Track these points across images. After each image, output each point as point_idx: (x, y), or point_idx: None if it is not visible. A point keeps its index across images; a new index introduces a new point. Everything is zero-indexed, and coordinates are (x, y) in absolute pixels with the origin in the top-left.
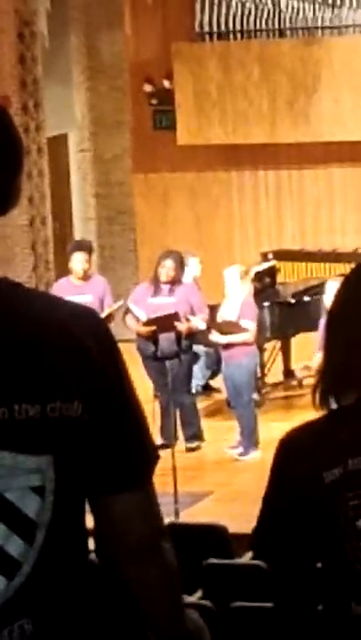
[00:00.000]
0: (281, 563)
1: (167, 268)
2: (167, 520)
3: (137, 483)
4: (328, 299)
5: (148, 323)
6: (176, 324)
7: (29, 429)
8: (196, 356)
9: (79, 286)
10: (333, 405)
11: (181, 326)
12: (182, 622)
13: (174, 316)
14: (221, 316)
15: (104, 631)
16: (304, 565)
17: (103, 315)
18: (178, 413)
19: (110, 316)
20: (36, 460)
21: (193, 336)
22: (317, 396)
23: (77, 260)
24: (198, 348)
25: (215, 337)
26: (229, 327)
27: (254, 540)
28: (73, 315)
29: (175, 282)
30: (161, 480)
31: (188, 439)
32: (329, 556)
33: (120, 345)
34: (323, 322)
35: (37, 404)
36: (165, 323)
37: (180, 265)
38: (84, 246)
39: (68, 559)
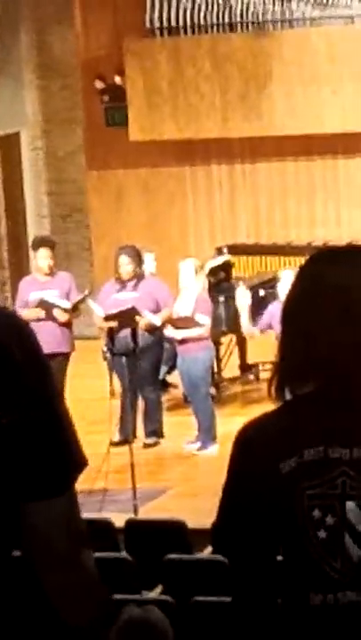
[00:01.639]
0: (241, 556)
1: (123, 265)
2: (126, 516)
3: (57, 491)
4: (282, 288)
5: (107, 318)
6: (136, 318)
7: None
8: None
9: (45, 282)
10: (288, 396)
11: (142, 320)
12: (98, 630)
13: (132, 311)
14: (176, 312)
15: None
16: (264, 558)
17: (69, 306)
18: (142, 408)
19: (77, 309)
20: None
21: (157, 331)
22: (273, 387)
23: (42, 257)
24: None
25: (170, 332)
26: (184, 322)
27: (214, 534)
28: (1, 324)
29: (138, 276)
30: (119, 477)
31: (147, 435)
32: (287, 546)
33: (82, 342)
34: (271, 307)
35: None
36: (124, 318)
37: (137, 258)
38: (48, 242)
39: None
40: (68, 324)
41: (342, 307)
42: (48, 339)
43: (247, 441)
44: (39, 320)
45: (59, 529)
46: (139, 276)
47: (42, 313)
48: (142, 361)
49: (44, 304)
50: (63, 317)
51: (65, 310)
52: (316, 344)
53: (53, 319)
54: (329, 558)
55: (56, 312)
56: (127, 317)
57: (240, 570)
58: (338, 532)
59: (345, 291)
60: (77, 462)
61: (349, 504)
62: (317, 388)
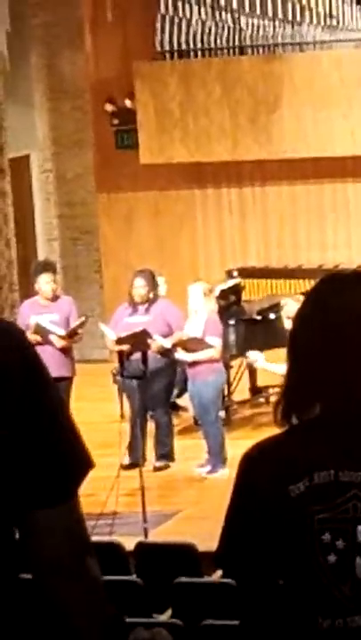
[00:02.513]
0: (245, 579)
1: (138, 288)
2: (136, 540)
3: (60, 499)
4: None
5: (118, 342)
6: (149, 341)
7: None
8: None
9: (46, 306)
10: (295, 421)
11: (154, 343)
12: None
13: (144, 334)
14: (186, 334)
15: None
16: (269, 581)
17: (66, 332)
18: (153, 431)
19: (75, 334)
20: None
21: (169, 354)
22: (279, 412)
23: (45, 282)
24: None
25: (181, 355)
26: (194, 344)
27: (218, 557)
28: None
29: (150, 300)
30: (130, 500)
31: (157, 458)
32: (295, 570)
33: (92, 365)
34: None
35: None
36: (136, 341)
37: (152, 282)
38: (50, 267)
39: None
40: (66, 350)
41: (348, 331)
42: (49, 362)
43: (253, 464)
44: (38, 344)
45: (62, 537)
46: (151, 300)
47: (38, 338)
48: (154, 384)
49: (39, 329)
50: (59, 343)
51: (60, 337)
52: (323, 368)
53: (51, 343)
54: (339, 583)
55: (52, 337)
56: (139, 340)
57: (245, 591)
58: (348, 557)
59: (352, 316)
60: (81, 469)
61: (360, 528)
62: (325, 411)
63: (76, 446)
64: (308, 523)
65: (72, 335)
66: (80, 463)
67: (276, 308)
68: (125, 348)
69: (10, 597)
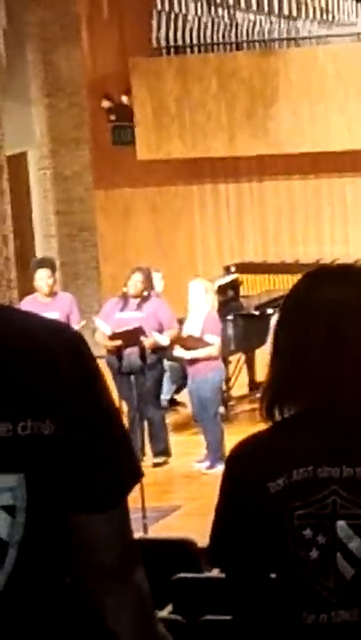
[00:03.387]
0: (235, 574)
1: (135, 281)
2: (136, 535)
3: (110, 504)
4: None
5: (113, 337)
6: (141, 338)
7: (0, 448)
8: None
9: (46, 304)
10: (278, 416)
11: (147, 341)
12: None
13: (139, 331)
14: (185, 332)
15: None
16: (258, 576)
17: None
18: (147, 428)
19: None
20: (7, 478)
21: (162, 351)
22: (264, 406)
23: (40, 278)
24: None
25: (179, 352)
26: (193, 342)
27: (210, 553)
28: (43, 329)
29: (143, 297)
30: (128, 496)
31: (155, 454)
32: (279, 566)
33: None
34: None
35: (8, 422)
36: (130, 337)
37: (149, 279)
38: (47, 263)
39: (42, 579)
40: None
41: (331, 324)
42: None
43: (237, 460)
44: None
45: (110, 543)
46: (144, 297)
47: None
48: (143, 381)
49: None
50: None
51: None
52: (305, 361)
53: None
54: (321, 578)
55: None
56: (133, 337)
57: (236, 586)
58: (330, 552)
59: (333, 307)
60: (132, 474)
61: (340, 523)
62: (307, 407)
63: (128, 453)
64: (287, 519)
65: None
66: (132, 471)
67: (274, 302)
68: (117, 343)
69: (57, 602)
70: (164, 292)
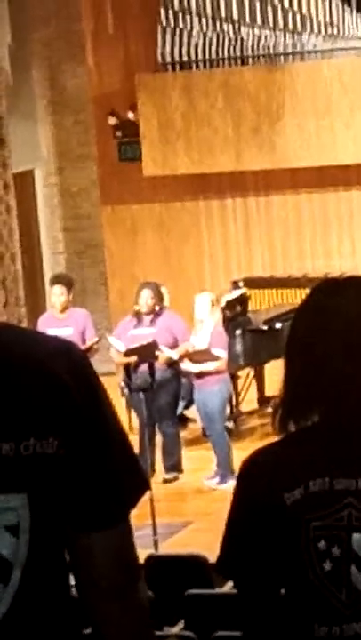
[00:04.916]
0: (246, 586)
1: (145, 298)
2: (147, 552)
3: (115, 521)
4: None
5: (127, 353)
6: (156, 352)
7: (3, 468)
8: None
9: (61, 319)
10: (292, 429)
11: (162, 355)
12: None
13: (153, 345)
14: (192, 345)
15: None
16: (269, 589)
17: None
18: (160, 443)
19: (90, 350)
20: (11, 498)
21: (175, 365)
22: (277, 419)
23: (54, 294)
24: None
25: (187, 366)
26: (201, 355)
27: (219, 565)
28: (49, 349)
29: (156, 312)
30: (139, 512)
31: (166, 470)
32: (292, 577)
33: (100, 378)
34: None
35: (11, 442)
36: (144, 352)
37: (158, 294)
38: (62, 280)
39: (46, 597)
40: None
41: (346, 336)
42: None
43: (251, 472)
44: None
45: (113, 559)
46: (156, 312)
47: None
48: (160, 396)
49: None
50: None
51: None
52: (321, 375)
53: None
54: (334, 590)
55: None
56: (148, 352)
57: (247, 601)
58: (344, 564)
59: (348, 320)
60: (136, 491)
61: (355, 535)
62: (322, 419)
63: (132, 468)
64: (303, 530)
65: (86, 353)
66: (135, 486)
67: (282, 317)
68: (133, 359)
69: (61, 617)
70: (170, 307)
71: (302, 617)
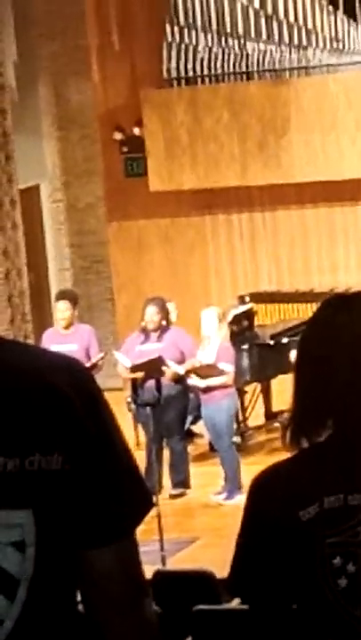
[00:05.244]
0: (258, 604)
1: (151, 315)
2: (154, 568)
3: (119, 537)
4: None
5: (134, 369)
6: (163, 368)
7: (8, 483)
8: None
9: (65, 335)
10: (305, 444)
11: (168, 371)
12: None
13: (159, 361)
14: (199, 360)
15: None
16: (281, 606)
17: (87, 365)
18: (168, 459)
19: (95, 366)
20: (16, 514)
21: (183, 381)
22: (288, 435)
23: (59, 309)
24: None
25: (194, 381)
26: (208, 370)
27: (230, 583)
28: (53, 365)
29: (162, 327)
30: (146, 528)
31: (174, 485)
32: (306, 594)
33: (106, 394)
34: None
35: (16, 458)
36: (151, 368)
37: (164, 310)
38: (67, 295)
39: (53, 612)
40: None
41: (353, 350)
42: None
43: (264, 489)
44: None
45: (120, 576)
46: (163, 328)
47: None
48: (168, 411)
49: None
50: None
51: None
52: (329, 388)
53: None
54: (349, 606)
55: None
56: (154, 367)
57: (259, 618)
58: (359, 580)
59: (356, 334)
60: (141, 506)
61: None
62: (334, 434)
63: (137, 485)
64: (318, 547)
65: (91, 369)
66: (140, 502)
67: (289, 332)
68: (139, 375)
69: (68, 633)
70: (178, 323)
71: (317, 634)
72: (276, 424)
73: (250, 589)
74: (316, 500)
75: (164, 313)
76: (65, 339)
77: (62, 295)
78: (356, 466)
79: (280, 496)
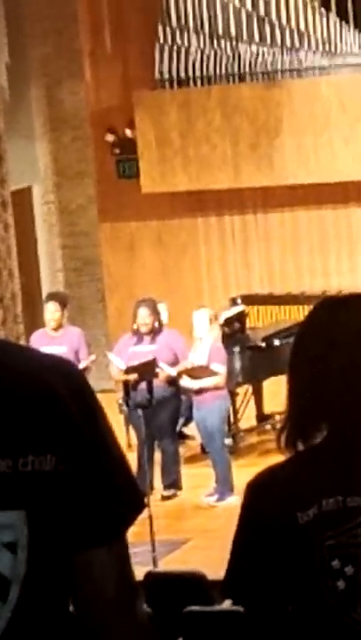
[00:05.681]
0: (254, 606)
1: (143, 317)
2: (145, 569)
3: (111, 538)
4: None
5: (127, 371)
6: (157, 370)
7: (0, 484)
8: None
9: (54, 337)
10: (300, 447)
11: (162, 372)
12: None
13: (153, 363)
14: (191, 362)
15: None
16: (278, 608)
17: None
18: (160, 460)
19: (87, 369)
20: (9, 515)
21: (175, 383)
22: (283, 439)
23: (48, 311)
24: None
25: (186, 382)
26: (200, 372)
27: (226, 585)
28: (46, 366)
29: (155, 329)
30: (138, 529)
31: (165, 487)
32: (303, 596)
33: (98, 395)
34: None
35: (8, 459)
36: (145, 370)
37: (155, 310)
38: (56, 297)
39: (45, 614)
40: None
41: (350, 350)
42: None
43: (260, 491)
44: None
45: (111, 577)
46: (156, 330)
47: None
48: (161, 413)
49: None
50: None
51: None
52: (328, 390)
53: None
54: (348, 609)
55: None
56: (148, 369)
57: (255, 621)
58: (357, 583)
59: (354, 336)
60: (133, 507)
61: None
62: (330, 435)
63: (129, 487)
64: (317, 550)
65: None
66: (132, 503)
67: (281, 334)
68: (133, 377)
69: (60, 634)
70: (170, 324)
71: (315, 636)
72: (268, 426)
73: (246, 591)
74: (314, 503)
75: (156, 314)
76: (54, 341)
77: (51, 297)
78: (355, 467)
79: (278, 498)
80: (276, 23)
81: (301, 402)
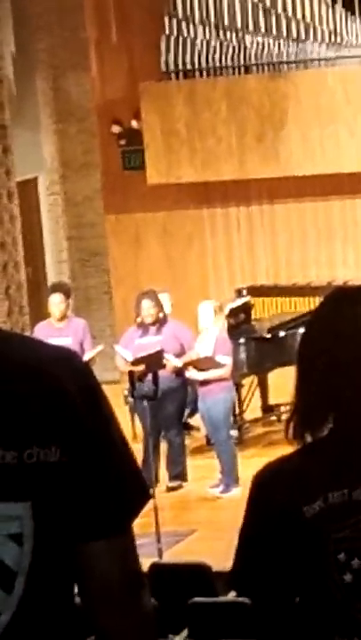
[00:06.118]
0: (261, 598)
1: (147, 309)
2: (151, 560)
3: (116, 530)
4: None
5: (134, 362)
6: (164, 361)
7: (6, 476)
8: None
9: (59, 329)
10: (308, 439)
11: (169, 363)
12: None
13: (160, 354)
14: (197, 352)
15: None
16: (284, 600)
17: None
18: (166, 451)
19: (91, 360)
20: (14, 507)
21: (182, 374)
22: (290, 430)
23: (52, 303)
24: None
25: (192, 373)
26: (205, 363)
27: (233, 578)
28: (51, 357)
29: (160, 320)
30: (143, 521)
31: (171, 478)
32: (310, 589)
33: (104, 386)
34: None
35: (13, 450)
36: (152, 361)
37: (159, 302)
38: (60, 288)
39: (50, 605)
40: None
41: (357, 345)
42: None
43: (267, 484)
44: None
45: (117, 569)
46: (161, 320)
47: None
48: (167, 404)
49: None
50: None
51: None
52: (335, 383)
53: None
54: (355, 602)
55: None
56: (155, 361)
57: (262, 613)
58: None
59: (359, 329)
60: (138, 499)
61: None
62: (337, 428)
63: (134, 477)
64: (323, 543)
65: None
66: (137, 495)
67: (286, 325)
68: (140, 368)
69: (65, 625)
70: (175, 315)
71: (322, 629)
72: (273, 417)
73: (253, 583)
74: (320, 496)
75: (160, 305)
76: (59, 332)
77: (56, 288)
78: (359, 460)
79: (284, 491)
80: (282, 14)
81: (309, 394)
